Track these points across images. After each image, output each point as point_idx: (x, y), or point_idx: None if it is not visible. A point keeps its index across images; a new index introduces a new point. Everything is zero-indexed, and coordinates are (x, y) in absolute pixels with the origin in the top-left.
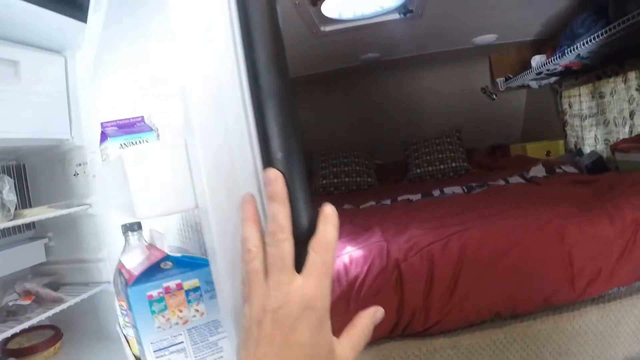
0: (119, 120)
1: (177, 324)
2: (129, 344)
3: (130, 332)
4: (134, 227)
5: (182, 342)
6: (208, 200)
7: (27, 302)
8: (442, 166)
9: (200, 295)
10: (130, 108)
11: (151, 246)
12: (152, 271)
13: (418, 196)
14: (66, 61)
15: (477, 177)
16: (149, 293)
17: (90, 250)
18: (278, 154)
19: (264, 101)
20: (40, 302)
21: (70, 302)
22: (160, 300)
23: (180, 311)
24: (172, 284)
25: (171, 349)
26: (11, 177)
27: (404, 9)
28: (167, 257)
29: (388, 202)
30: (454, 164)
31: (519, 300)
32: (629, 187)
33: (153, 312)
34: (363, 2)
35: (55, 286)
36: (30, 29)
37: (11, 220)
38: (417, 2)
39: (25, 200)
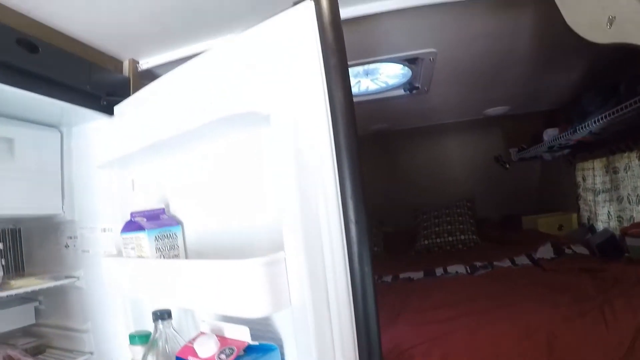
0: (146, 211)
1: None
2: None
3: None
4: (164, 315)
5: None
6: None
7: None
8: (450, 238)
9: None
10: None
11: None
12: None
13: (420, 274)
14: (62, 136)
15: (483, 254)
16: None
17: (77, 320)
18: None
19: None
20: None
21: None
22: None
23: None
24: None
25: None
26: (6, 241)
27: (409, 86)
28: (248, 346)
29: (389, 279)
30: (462, 237)
31: None
32: (634, 286)
33: None
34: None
35: (42, 349)
36: (27, 108)
37: None
38: (423, 80)
39: (18, 263)
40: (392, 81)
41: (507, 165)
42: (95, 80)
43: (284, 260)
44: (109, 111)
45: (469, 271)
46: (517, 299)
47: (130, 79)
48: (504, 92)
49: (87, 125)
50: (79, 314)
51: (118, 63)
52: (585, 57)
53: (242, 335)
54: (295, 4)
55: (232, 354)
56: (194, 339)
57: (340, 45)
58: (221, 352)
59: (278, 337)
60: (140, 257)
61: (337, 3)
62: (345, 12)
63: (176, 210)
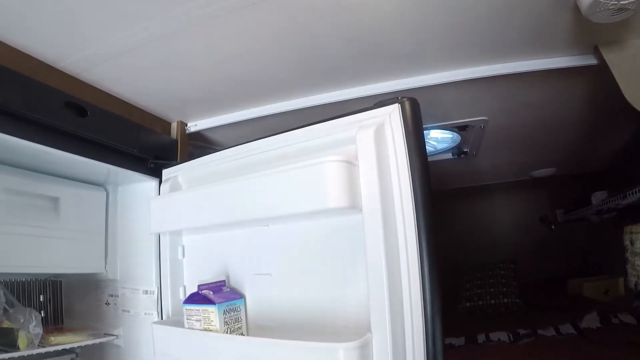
0: (210, 283)
1: None
2: None
3: None
4: None
5: None
6: None
7: None
8: (493, 301)
9: None
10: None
11: None
12: None
13: (462, 340)
14: (108, 195)
15: (527, 320)
16: None
17: None
18: None
19: None
20: None
21: None
22: None
23: None
24: None
25: None
26: (46, 292)
27: (457, 151)
28: None
29: None
30: (505, 300)
31: None
32: None
33: None
34: None
35: None
36: (74, 168)
37: (36, 348)
38: (472, 146)
39: (57, 316)
40: (441, 145)
41: (553, 227)
42: (143, 143)
43: (371, 341)
44: (156, 174)
45: (512, 339)
46: None
47: (178, 140)
48: (551, 155)
49: (134, 185)
50: None
51: (166, 124)
52: (636, 121)
53: None
54: (381, 104)
55: None
56: None
57: (422, 144)
58: None
59: None
60: (206, 330)
61: (419, 106)
62: (403, 84)
63: (236, 283)
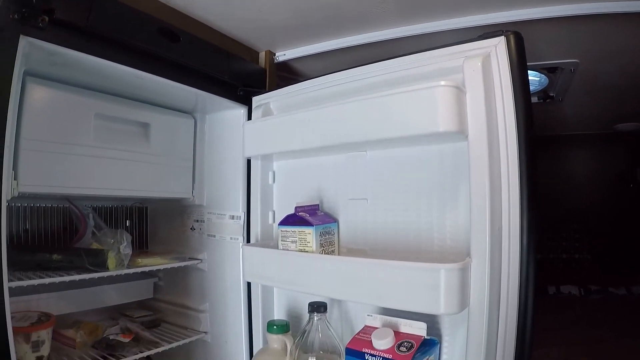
0: (306, 205)
1: None
2: None
3: None
4: (320, 308)
5: None
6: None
7: (126, 339)
8: (564, 255)
9: None
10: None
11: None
12: (418, 350)
13: None
14: (196, 123)
15: (598, 277)
16: None
17: (195, 300)
18: None
19: None
20: (138, 341)
21: (166, 347)
22: None
23: None
24: (425, 358)
25: None
26: (133, 218)
27: (544, 95)
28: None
29: None
30: (577, 255)
31: None
32: None
33: None
34: None
35: (157, 322)
36: (164, 95)
37: (124, 268)
38: (559, 89)
39: (143, 241)
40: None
41: (631, 185)
42: (233, 70)
43: (470, 265)
44: (245, 101)
45: (582, 293)
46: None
47: (267, 70)
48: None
49: (222, 113)
50: (198, 295)
51: (254, 54)
52: None
53: (419, 330)
54: (486, 36)
55: (412, 347)
56: (362, 332)
57: (526, 79)
58: (400, 345)
59: (438, 333)
60: (302, 250)
61: (523, 40)
62: (493, 18)
63: (330, 208)
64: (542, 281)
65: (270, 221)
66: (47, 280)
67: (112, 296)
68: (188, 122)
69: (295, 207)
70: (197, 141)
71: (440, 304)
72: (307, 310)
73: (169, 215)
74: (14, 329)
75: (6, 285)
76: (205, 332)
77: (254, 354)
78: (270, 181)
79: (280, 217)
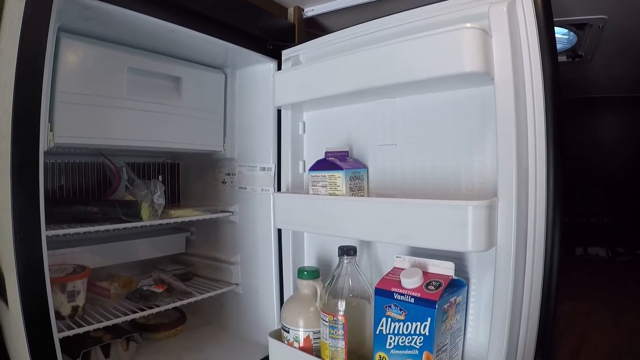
0: (336, 151)
1: (448, 330)
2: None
3: (336, 343)
4: (350, 251)
5: (447, 344)
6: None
7: (160, 290)
8: (592, 219)
9: (459, 308)
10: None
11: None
12: (446, 289)
13: None
14: (226, 77)
15: (626, 240)
16: (445, 306)
17: (226, 252)
18: None
19: None
20: (171, 291)
21: (198, 297)
22: (447, 312)
23: (451, 320)
24: (453, 299)
25: (443, 349)
26: (165, 174)
27: (572, 53)
28: (452, 279)
29: None
30: (605, 220)
31: None
32: None
33: (443, 320)
34: None
35: (188, 276)
36: (196, 50)
37: (157, 219)
38: (587, 48)
39: (175, 196)
40: (557, 46)
41: None
42: (263, 25)
43: (497, 205)
44: (274, 55)
45: (610, 255)
46: None
47: (295, 25)
48: None
49: (252, 68)
50: (229, 247)
51: (282, 9)
52: None
53: (447, 270)
54: None
55: (440, 286)
56: (391, 273)
57: (551, 26)
58: (428, 284)
59: (466, 277)
60: (332, 195)
61: None
62: None
63: (359, 155)
64: (570, 242)
65: (301, 171)
66: (82, 230)
67: (146, 250)
68: (218, 77)
69: (326, 152)
70: (227, 96)
71: (468, 242)
72: (337, 254)
73: (200, 170)
74: (51, 279)
75: (44, 233)
76: (236, 284)
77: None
78: (301, 132)
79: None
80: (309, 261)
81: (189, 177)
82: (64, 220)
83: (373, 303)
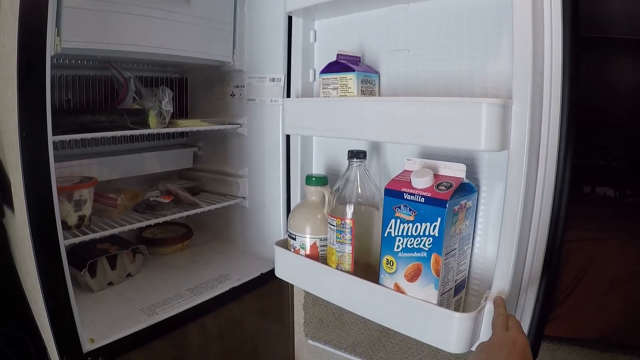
0: (347, 55)
1: (457, 234)
2: (328, 258)
3: (343, 248)
4: (360, 154)
5: (455, 248)
6: (525, 149)
7: (166, 200)
8: (601, 162)
9: (469, 214)
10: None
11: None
12: (456, 191)
13: None
14: None
15: (634, 184)
16: (455, 207)
17: (234, 166)
18: None
19: None
20: (178, 202)
21: (205, 208)
22: (457, 214)
23: (460, 224)
24: (463, 202)
25: (451, 253)
26: (173, 89)
27: None
28: (463, 182)
29: None
30: (615, 164)
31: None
32: None
33: (453, 222)
34: None
35: (195, 191)
36: None
37: (165, 127)
38: None
39: (182, 111)
40: None
41: None
42: None
43: (511, 107)
44: None
45: (617, 196)
46: None
47: None
48: None
49: None
50: (237, 160)
51: None
52: None
53: (458, 172)
54: None
55: (451, 187)
56: (401, 175)
57: None
58: (439, 184)
59: (477, 184)
60: (342, 96)
61: None
62: None
63: (371, 61)
64: (578, 181)
65: (311, 79)
66: (88, 136)
67: (153, 164)
68: None
69: (338, 55)
70: (237, 5)
71: (481, 140)
72: (347, 158)
73: (208, 84)
74: (58, 189)
75: (50, 136)
76: (243, 197)
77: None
78: (312, 40)
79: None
80: (317, 170)
81: (197, 92)
82: (71, 130)
83: (382, 209)
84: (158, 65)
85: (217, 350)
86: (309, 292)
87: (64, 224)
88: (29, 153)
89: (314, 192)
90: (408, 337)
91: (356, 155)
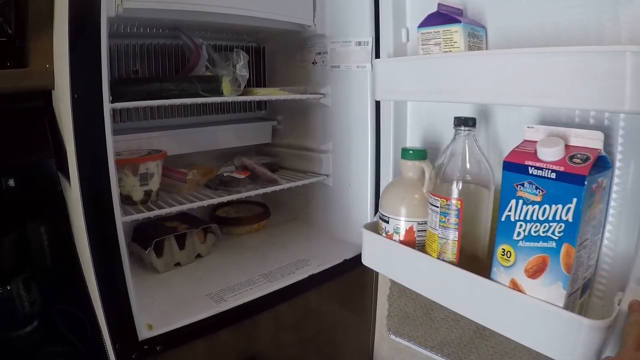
0: (450, 6)
1: (591, 220)
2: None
3: (447, 234)
4: (468, 122)
5: (588, 238)
6: None
7: (242, 176)
8: None
9: (603, 196)
10: None
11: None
12: (593, 166)
13: None
14: None
15: None
16: (592, 185)
17: (316, 140)
18: None
19: None
20: (254, 179)
21: (284, 185)
22: (593, 194)
23: (595, 208)
24: (600, 179)
25: (584, 244)
26: (250, 58)
27: None
28: (600, 155)
29: None
30: None
31: None
32: None
33: (589, 204)
34: None
35: (274, 167)
36: None
37: (240, 95)
38: None
39: (260, 82)
40: None
41: None
42: None
43: None
44: None
45: None
46: None
47: None
48: None
49: None
50: (320, 134)
51: None
52: None
53: (593, 141)
54: None
55: (588, 159)
56: (522, 146)
57: None
58: (572, 157)
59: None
60: (447, 52)
61: None
62: None
63: (474, 15)
64: None
65: (404, 39)
66: (153, 103)
67: (228, 138)
68: None
69: (439, 5)
70: None
71: (625, 98)
72: (453, 126)
73: (287, 53)
74: (122, 161)
75: (107, 103)
76: (326, 175)
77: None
78: None
79: (415, 34)
80: (412, 143)
81: (275, 61)
82: (138, 99)
83: (493, 188)
84: (232, 33)
85: (290, 342)
86: (395, 282)
87: (129, 199)
88: (81, 117)
89: (411, 167)
90: (506, 339)
91: (464, 122)
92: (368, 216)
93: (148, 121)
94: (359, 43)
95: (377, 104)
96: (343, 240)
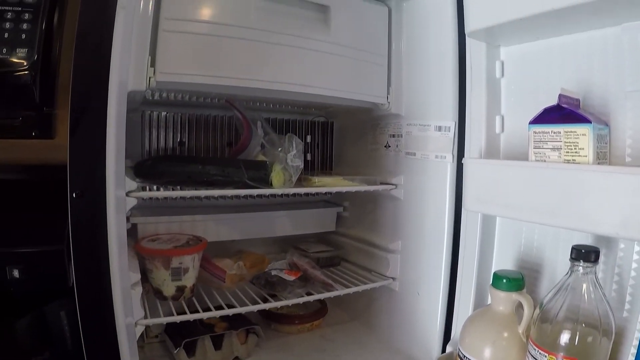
0: (569, 97)
1: None
2: None
3: None
4: (590, 255)
5: None
6: None
7: (292, 277)
8: None
9: None
10: None
11: None
12: None
13: None
14: (390, 12)
15: None
16: None
17: (385, 237)
18: None
19: None
20: (305, 281)
21: (340, 292)
22: None
23: None
24: None
25: None
26: (315, 135)
27: None
28: None
29: None
30: None
31: None
32: None
33: None
34: None
35: (336, 261)
36: None
37: (292, 187)
38: None
39: (326, 161)
40: None
41: None
42: None
43: None
44: None
45: None
46: None
47: None
48: None
49: None
50: (389, 230)
51: None
52: None
53: None
54: None
55: None
56: None
57: None
58: None
59: None
60: (569, 162)
61: None
62: None
63: (593, 106)
64: None
65: (498, 130)
66: (179, 194)
67: (285, 225)
68: (380, 9)
69: (560, 96)
70: (392, 34)
71: None
72: (569, 257)
73: (358, 131)
74: (152, 251)
75: (112, 193)
76: (393, 278)
77: (466, 316)
78: (498, 74)
79: (512, 124)
80: (499, 261)
81: (344, 139)
82: (177, 181)
83: (613, 337)
84: (299, 107)
85: None
86: None
87: (159, 294)
88: (79, 214)
89: (504, 299)
90: None
91: (585, 257)
92: (437, 334)
93: (192, 200)
94: (439, 128)
95: (458, 203)
96: (407, 355)
